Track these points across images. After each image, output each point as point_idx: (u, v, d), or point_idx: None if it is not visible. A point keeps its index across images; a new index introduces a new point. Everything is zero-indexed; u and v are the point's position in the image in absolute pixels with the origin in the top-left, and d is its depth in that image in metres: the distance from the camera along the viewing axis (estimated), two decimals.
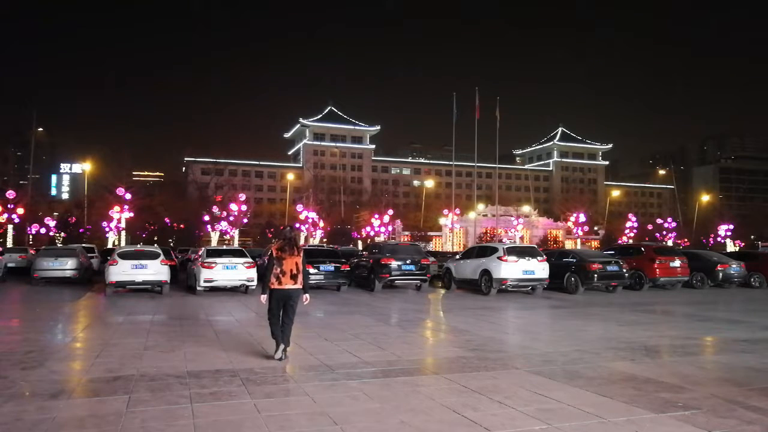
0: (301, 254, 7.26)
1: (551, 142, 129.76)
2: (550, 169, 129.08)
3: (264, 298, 7.31)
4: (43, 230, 52.39)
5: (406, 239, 59.50)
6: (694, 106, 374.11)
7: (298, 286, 7.16)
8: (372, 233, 55.48)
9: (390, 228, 56.84)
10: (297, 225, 53.68)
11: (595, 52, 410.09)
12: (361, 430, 4.58)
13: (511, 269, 16.45)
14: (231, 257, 16.65)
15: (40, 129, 60.66)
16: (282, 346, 7.14)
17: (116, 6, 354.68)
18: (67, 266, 19.68)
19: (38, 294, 16.91)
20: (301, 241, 51.31)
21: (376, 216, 55.70)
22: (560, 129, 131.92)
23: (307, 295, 7.36)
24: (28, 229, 48.67)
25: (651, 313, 13.26)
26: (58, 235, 51.50)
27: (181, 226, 64.73)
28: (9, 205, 37.58)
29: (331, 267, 17.51)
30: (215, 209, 53.03)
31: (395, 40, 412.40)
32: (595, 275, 17.52)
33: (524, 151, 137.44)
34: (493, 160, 70.99)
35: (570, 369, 6.90)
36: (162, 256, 16.46)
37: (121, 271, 15.70)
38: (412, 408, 5.18)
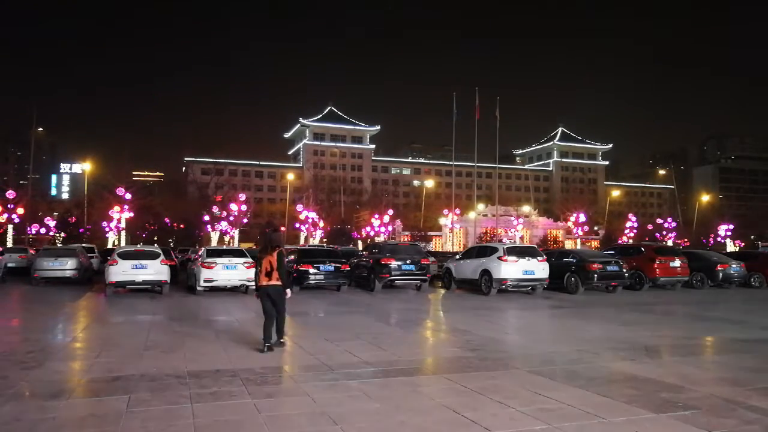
0: (275, 252, 7.79)
1: (551, 142, 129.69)
2: (550, 169, 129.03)
3: (256, 294, 8.09)
4: (43, 230, 52.37)
5: (406, 239, 59.46)
6: (694, 106, 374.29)
7: (274, 282, 7.73)
8: (372, 233, 55.46)
9: (390, 228, 56.81)
10: (297, 225, 53.67)
11: (595, 53, 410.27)
12: (361, 430, 4.58)
13: (511, 269, 16.45)
14: (231, 257, 16.64)
15: (40, 129, 60.61)
16: (267, 344, 7.65)
17: (117, 5, 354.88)
18: (67, 266, 19.66)
19: (38, 294, 16.91)
20: (302, 241, 51.29)
21: (376, 216, 55.67)
22: (560, 129, 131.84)
23: (288, 291, 8.05)
24: (28, 229, 48.64)
25: (651, 313, 13.26)
26: (58, 235, 51.46)
27: (181, 226, 64.69)
28: (9, 205, 37.54)
29: (331, 267, 17.49)
30: (215, 209, 53.03)
31: (395, 40, 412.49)
32: (595, 275, 17.51)
33: (524, 151, 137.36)
34: (493, 160, 70.92)
35: (570, 369, 6.90)
36: (162, 256, 16.45)
37: (121, 271, 15.68)
38: (412, 408, 5.19)
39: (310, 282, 17.14)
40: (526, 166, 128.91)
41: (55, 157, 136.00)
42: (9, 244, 37.19)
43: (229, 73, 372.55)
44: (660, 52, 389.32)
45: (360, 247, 39.00)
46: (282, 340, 8.05)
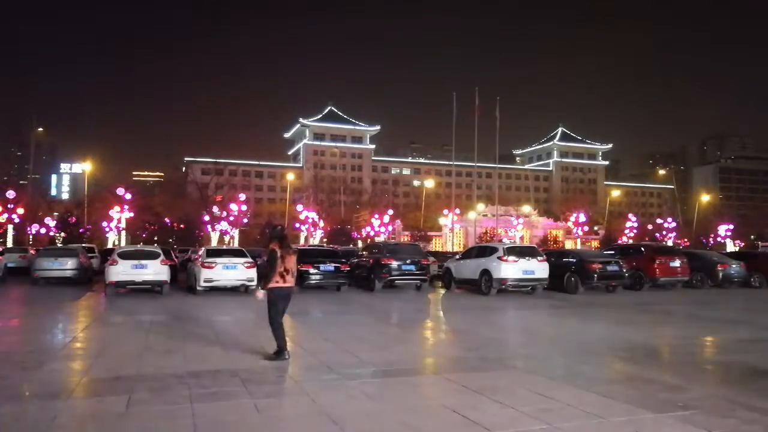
0: (296, 254, 7.55)
1: (551, 142, 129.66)
2: (550, 169, 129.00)
3: (262, 293, 7.31)
4: (43, 230, 52.31)
5: (406, 239, 59.43)
6: (694, 106, 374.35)
7: (293, 284, 7.38)
8: (372, 233, 55.43)
9: (390, 228, 56.77)
10: (297, 225, 53.65)
11: (595, 53, 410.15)
12: (360, 430, 4.58)
13: (511, 269, 16.44)
14: (231, 257, 16.62)
15: (40, 129, 60.57)
16: (286, 349, 7.25)
17: (117, 5, 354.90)
18: (67, 266, 19.63)
19: (38, 294, 16.91)
20: (302, 241, 51.29)
21: (376, 216, 55.63)
22: (560, 129, 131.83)
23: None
24: (28, 229, 48.58)
25: (651, 313, 13.26)
26: (58, 235, 51.37)
27: (181, 226, 64.64)
28: (9, 205, 37.50)
29: (331, 267, 17.47)
30: (215, 209, 53.03)
31: (395, 39, 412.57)
32: (595, 275, 17.50)
33: (524, 151, 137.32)
34: (493, 160, 70.95)
35: (570, 369, 6.90)
36: (162, 256, 16.43)
37: (121, 271, 15.66)
38: (412, 408, 5.18)
39: (310, 282, 17.13)
40: (526, 166, 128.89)
41: (55, 157, 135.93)
42: (9, 244, 37.19)
43: (229, 73, 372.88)
44: (660, 52, 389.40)
45: (360, 247, 38.97)
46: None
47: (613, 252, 20.88)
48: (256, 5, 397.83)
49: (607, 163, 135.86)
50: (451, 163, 65.22)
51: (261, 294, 7.35)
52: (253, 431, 4.58)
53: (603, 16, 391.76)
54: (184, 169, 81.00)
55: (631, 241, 53.96)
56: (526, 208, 76.61)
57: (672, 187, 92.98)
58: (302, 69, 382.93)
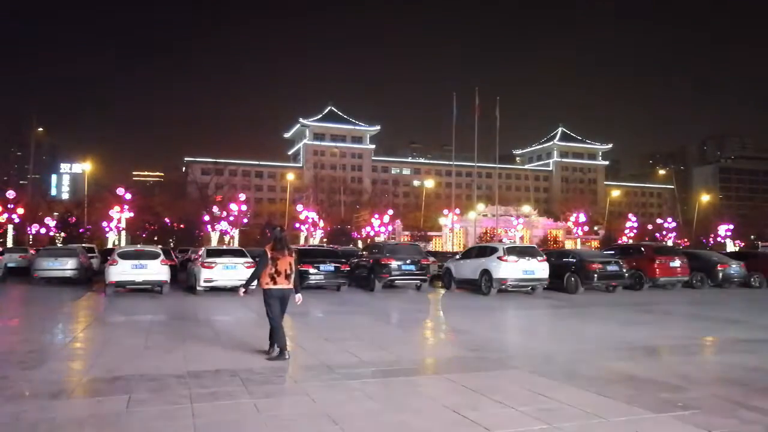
0: (294, 255, 7.45)
1: (551, 142, 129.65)
2: (550, 169, 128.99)
3: (242, 291, 7.78)
4: (43, 230, 52.32)
5: (406, 239, 59.42)
6: (694, 106, 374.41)
7: (291, 286, 7.38)
8: (372, 233, 55.42)
9: (390, 228, 56.77)
10: (297, 225, 53.67)
11: (595, 53, 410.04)
12: (360, 430, 4.58)
13: (511, 269, 16.43)
14: (231, 257, 16.62)
15: (40, 129, 60.59)
16: (287, 349, 7.28)
17: (117, 5, 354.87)
18: (67, 266, 19.63)
19: (38, 294, 16.90)
20: (302, 241, 51.29)
21: (376, 216, 55.62)
22: (560, 129, 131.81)
23: (299, 296, 7.56)
24: (28, 229, 48.61)
25: (651, 313, 13.25)
26: (58, 235, 51.40)
27: (181, 226, 64.67)
28: (9, 205, 37.51)
29: (331, 267, 17.47)
30: (215, 209, 53.06)
31: (395, 39, 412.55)
32: (595, 275, 17.51)
33: (524, 151, 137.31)
34: (493, 160, 70.82)
35: (570, 369, 6.90)
36: (162, 256, 16.43)
37: (121, 271, 15.67)
38: (412, 408, 5.18)
39: (310, 282, 17.11)
40: (526, 166, 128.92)
41: (55, 157, 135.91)
42: (9, 244, 37.18)
43: (229, 73, 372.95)
44: (660, 52, 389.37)
45: (360, 247, 38.93)
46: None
47: (613, 252, 20.87)
48: (256, 5, 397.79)
49: (607, 163, 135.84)
50: (451, 163, 65.17)
51: (241, 292, 7.81)
52: (253, 431, 4.58)
53: (603, 16, 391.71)
54: (184, 169, 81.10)
55: (631, 241, 53.95)
56: (526, 208, 76.62)
57: (672, 187, 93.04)
58: (302, 69, 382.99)
